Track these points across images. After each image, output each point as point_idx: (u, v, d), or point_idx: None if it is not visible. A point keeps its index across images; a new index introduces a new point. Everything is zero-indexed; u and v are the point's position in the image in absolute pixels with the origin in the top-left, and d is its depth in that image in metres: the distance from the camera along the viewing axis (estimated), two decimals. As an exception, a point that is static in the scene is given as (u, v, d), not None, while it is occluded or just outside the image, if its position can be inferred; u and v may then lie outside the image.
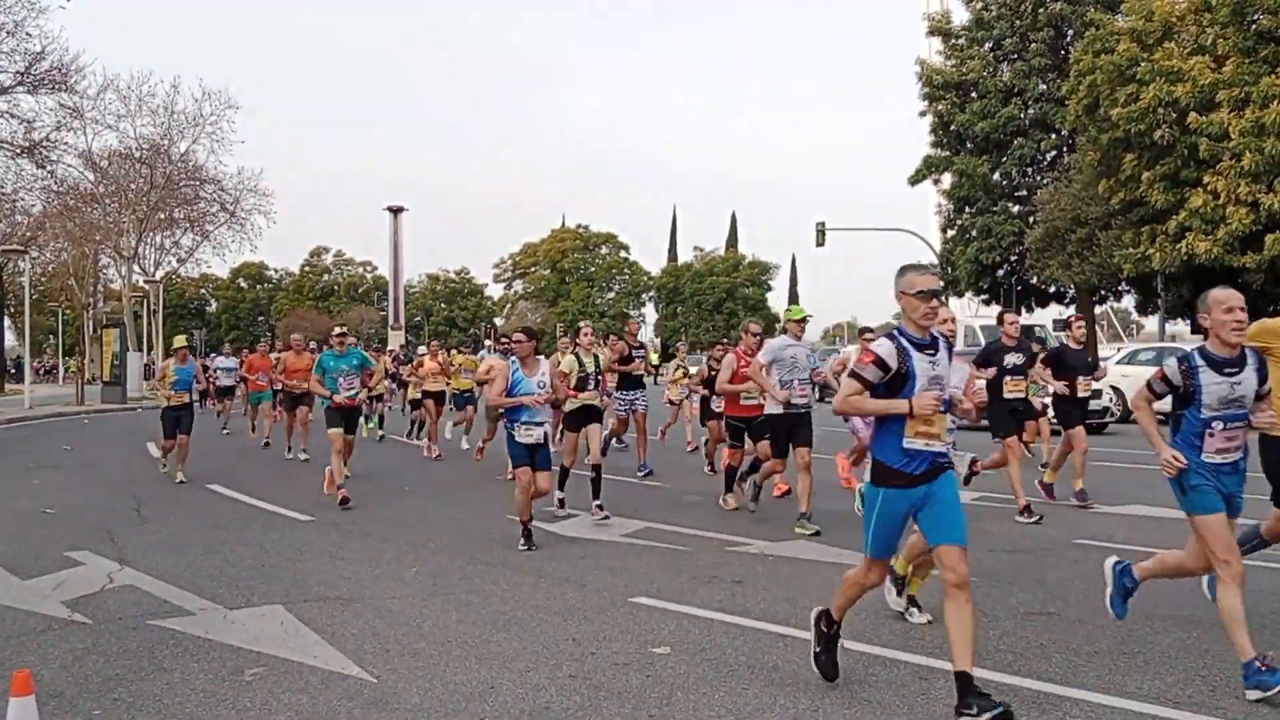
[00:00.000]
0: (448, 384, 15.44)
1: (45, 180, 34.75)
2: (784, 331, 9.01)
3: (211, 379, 20.20)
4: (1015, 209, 37.20)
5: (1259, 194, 22.31)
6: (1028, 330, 28.11)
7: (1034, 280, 35.83)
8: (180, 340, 13.06)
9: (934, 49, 39.91)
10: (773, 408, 8.61)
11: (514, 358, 8.12)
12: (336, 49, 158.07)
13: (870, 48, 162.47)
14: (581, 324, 10.66)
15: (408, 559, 7.36)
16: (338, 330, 11.09)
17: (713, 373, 12.09)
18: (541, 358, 8.28)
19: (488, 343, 19.45)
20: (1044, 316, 38.16)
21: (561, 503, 9.45)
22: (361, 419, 13.31)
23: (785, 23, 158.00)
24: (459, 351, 15.63)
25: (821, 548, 7.57)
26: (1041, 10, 34.78)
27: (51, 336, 75.24)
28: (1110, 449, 15.66)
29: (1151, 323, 43.29)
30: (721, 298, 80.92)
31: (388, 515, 9.44)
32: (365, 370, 10.72)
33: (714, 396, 11.74)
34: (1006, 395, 9.29)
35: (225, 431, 19.62)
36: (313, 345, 23.21)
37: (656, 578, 6.67)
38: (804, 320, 8.85)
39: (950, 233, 39.68)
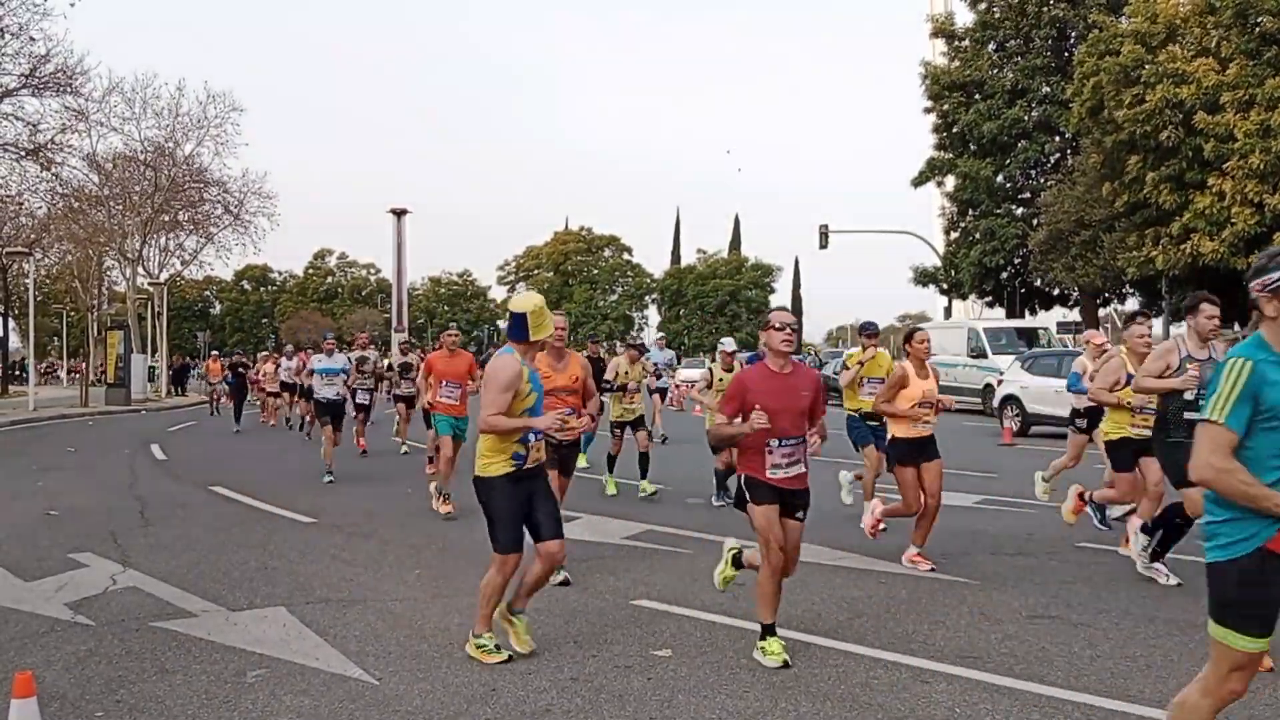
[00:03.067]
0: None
1: (50, 182, 34.79)
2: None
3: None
4: (1019, 211, 37.24)
5: (1265, 194, 22.29)
6: (1030, 333, 28.15)
7: (1037, 283, 35.84)
8: (547, 321, 5.05)
9: (938, 50, 39.96)
10: None
11: None
12: (340, 52, 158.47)
13: (874, 49, 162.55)
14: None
15: (410, 561, 7.37)
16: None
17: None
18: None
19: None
20: (1048, 319, 38.17)
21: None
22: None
23: (788, 24, 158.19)
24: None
25: (822, 550, 7.56)
26: (1045, 10, 34.79)
27: (56, 338, 75.45)
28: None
29: (1156, 325, 43.32)
30: (724, 300, 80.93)
31: (390, 518, 9.44)
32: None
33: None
34: None
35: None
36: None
37: (658, 580, 6.66)
38: None
39: (953, 235, 39.71)
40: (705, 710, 4.26)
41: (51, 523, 9.16)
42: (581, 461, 12.24)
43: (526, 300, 5.01)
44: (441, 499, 9.32)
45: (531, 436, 4.87)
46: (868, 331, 9.26)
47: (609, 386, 11.27)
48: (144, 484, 12.18)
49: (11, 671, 4.21)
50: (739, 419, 4.91)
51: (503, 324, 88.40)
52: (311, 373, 13.25)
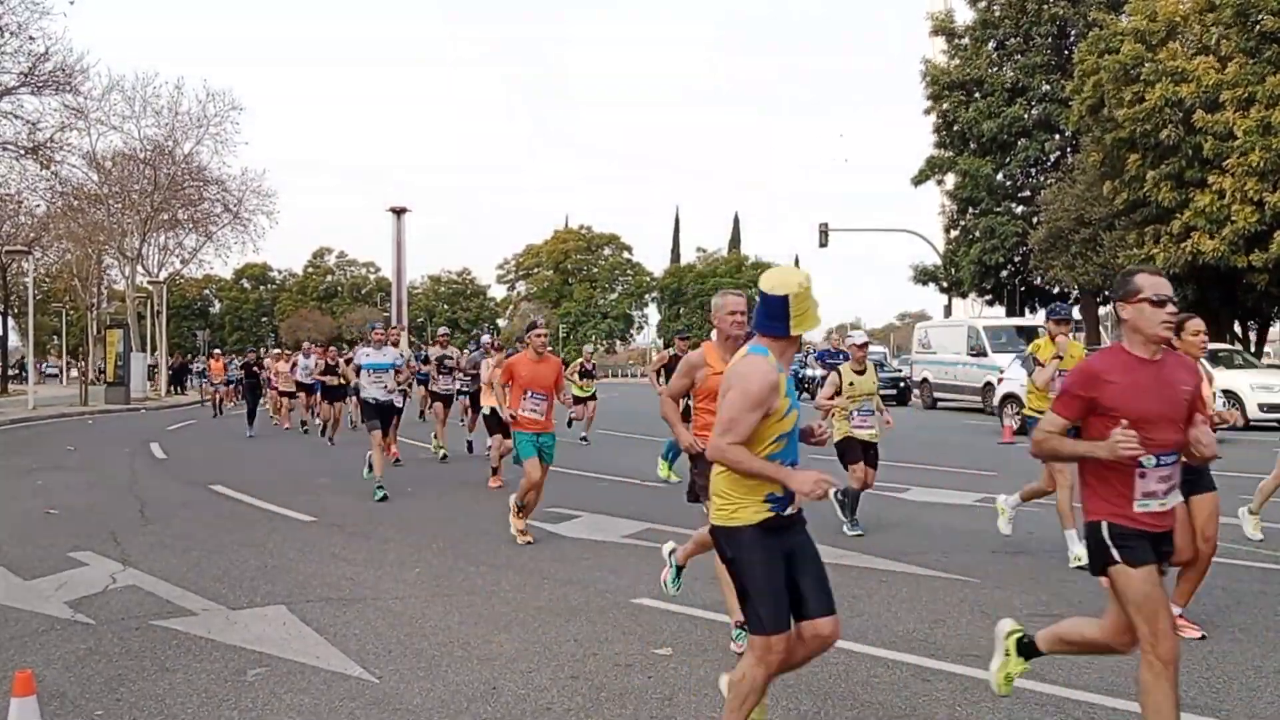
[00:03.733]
0: None
1: (49, 181, 34.80)
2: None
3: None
4: (1019, 210, 37.26)
5: (1265, 193, 22.29)
6: (1030, 331, 28.14)
7: (1037, 281, 35.85)
8: (814, 308, 3.56)
9: (938, 48, 39.95)
10: None
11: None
12: (339, 49, 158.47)
13: (874, 47, 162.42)
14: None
15: (410, 560, 7.36)
16: None
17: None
18: None
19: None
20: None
21: None
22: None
23: (788, 21, 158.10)
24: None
25: (823, 549, 7.55)
26: (1045, 8, 34.79)
27: (55, 337, 75.42)
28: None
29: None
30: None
31: (390, 516, 9.43)
32: None
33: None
34: None
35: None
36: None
37: (658, 579, 6.64)
38: None
39: (954, 233, 39.75)
40: (706, 708, 4.25)
41: (51, 521, 9.16)
42: (666, 472, 11.60)
43: (786, 277, 3.43)
44: (521, 531, 7.98)
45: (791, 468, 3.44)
46: (1057, 316, 7.61)
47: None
48: (144, 483, 12.18)
49: (11, 670, 4.20)
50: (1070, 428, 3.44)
51: (503, 323, 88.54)
52: (359, 369, 11.32)
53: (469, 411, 15.22)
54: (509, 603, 6.06)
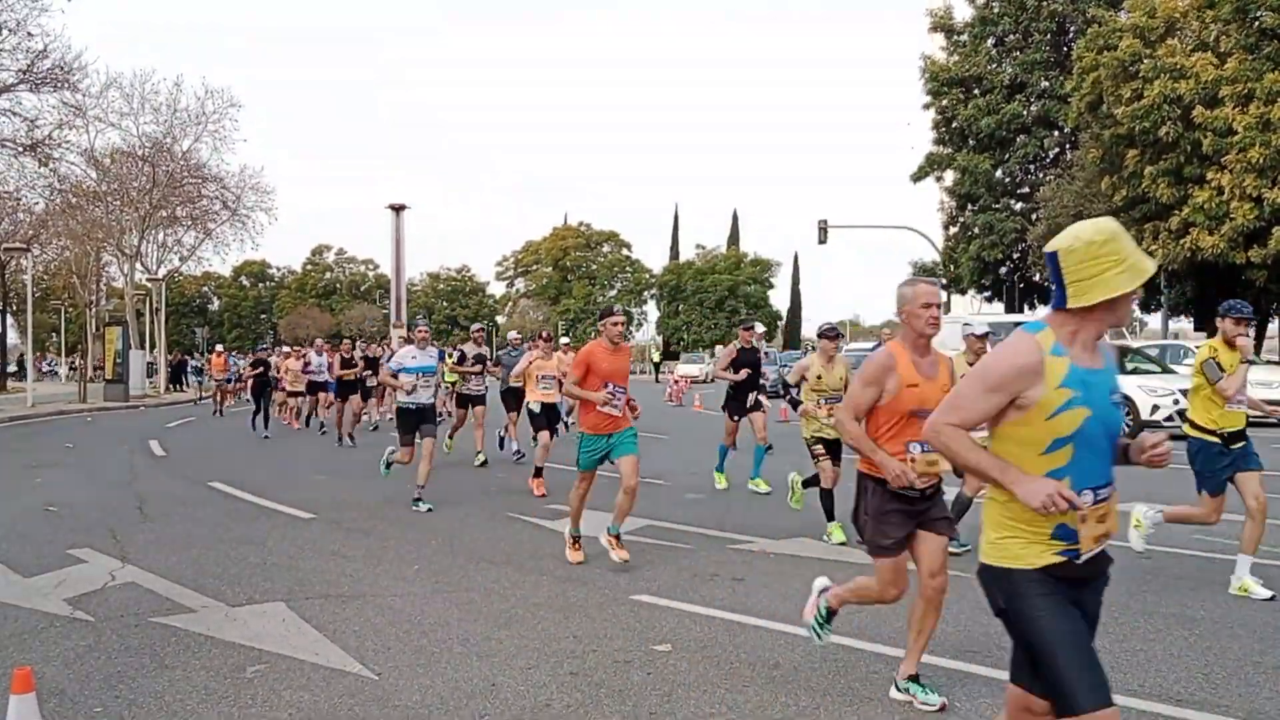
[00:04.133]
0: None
1: (48, 178, 34.77)
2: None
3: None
4: (1018, 206, 37.30)
5: (1264, 189, 22.30)
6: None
7: (1036, 277, 35.87)
8: (1113, 272, 2.68)
9: (937, 45, 39.95)
10: None
11: None
12: (338, 46, 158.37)
13: (874, 43, 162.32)
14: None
15: (409, 557, 7.37)
16: None
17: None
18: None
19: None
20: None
21: None
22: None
23: (787, 18, 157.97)
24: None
25: (823, 546, 7.56)
26: (1044, 4, 34.81)
27: (54, 334, 75.44)
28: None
29: (1154, 320, 43.39)
30: (724, 295, 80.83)
31: (389, 514, 9.43)
32: None
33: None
34: None
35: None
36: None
37: (658, 575, 6.67)
38: None
39: (953, 230, 39.76)
40: (705, 705, 4.26)
41: (50, 519, 9.15)
42: (761, 486, 10.38)
43: (1074, 229, 2.68)
44: (573, 544, 7.23)
45: (1090, 495, 2.64)
46: (1239, 314, 6.10)
47: (778, 392, 9.83)
48: (143, 480, 12.17)
49: (11, 667, 4.20)
50: None
51: (501, 319, 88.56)
52: (395, 373, 9.95)
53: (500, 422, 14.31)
54: (508, 599, 6.07)
